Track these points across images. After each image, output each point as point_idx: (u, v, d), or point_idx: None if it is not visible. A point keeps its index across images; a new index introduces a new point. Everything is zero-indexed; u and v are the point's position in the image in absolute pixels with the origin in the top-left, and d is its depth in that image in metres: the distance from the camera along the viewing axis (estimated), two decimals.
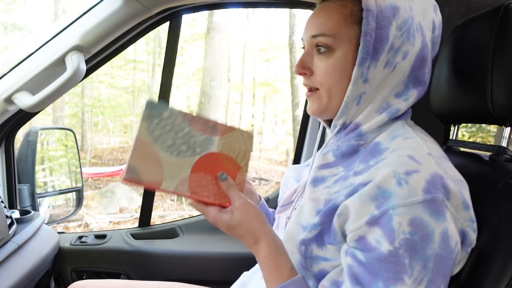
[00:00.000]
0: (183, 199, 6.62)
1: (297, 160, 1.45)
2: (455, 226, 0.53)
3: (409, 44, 0.60)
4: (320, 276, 0.60)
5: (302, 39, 0.68)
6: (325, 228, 0.58)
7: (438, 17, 0.65)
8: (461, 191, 0.54)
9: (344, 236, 0.56)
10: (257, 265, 0.82)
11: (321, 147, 0.75)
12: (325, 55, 0.62)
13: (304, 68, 0.65)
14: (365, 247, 0.52)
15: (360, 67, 0.59)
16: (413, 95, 0.63)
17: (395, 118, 0.63)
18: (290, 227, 0.64)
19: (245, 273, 0.84)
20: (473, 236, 0.55)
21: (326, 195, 0.60)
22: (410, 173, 0.51)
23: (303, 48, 0.67)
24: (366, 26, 0.58)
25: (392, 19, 0.58)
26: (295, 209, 0.72)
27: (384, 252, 0.50)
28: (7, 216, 1.01)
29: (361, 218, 0.52)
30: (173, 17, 1.22)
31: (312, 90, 0.66)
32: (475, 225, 0.55)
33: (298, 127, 1.55)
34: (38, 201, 1.34)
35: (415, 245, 0.49)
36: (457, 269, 0.57)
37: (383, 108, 0.62)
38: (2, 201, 1.02)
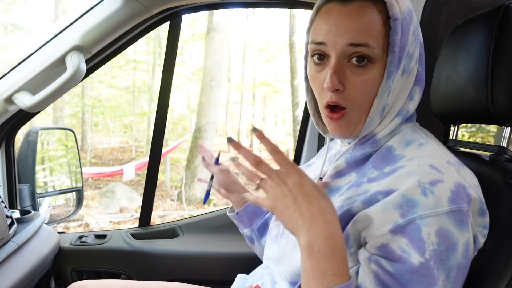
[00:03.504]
0: (183, 199, 6.63)
1: (297, 161, 1.45)
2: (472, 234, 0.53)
3: (419, 46, 0.59)
4: None
5: (321, 43, 0.57)
6: None
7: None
8: (481, 198, 0.54)
9: (356, 241, 0.56)
10: (257, 270, 0.81)
11: (319, 147, 0.75)
12: (365, 68, 0.55)
13: (339, 82, 0.55)
14: (389, 256, 0.51)
15: (388, 80, 0.56)
16: (417, 92, 0.62)
17: (406, 122, 0.63)
18: None
19: (241, 276, 0.83)
20: (481, 241, 0.55)
21: (339, 202, 0.59)
22: (434, 183, 0.50)
23: (318, 54, 0.58)
24: (394, 37, 0.54)
25: (410, 25, 0.56)
26: None
27: (415, 264, 0.49)
28: (7, 216, 1.01)
29: (384, 226, 0.51)
30: (173, 17, 1.22)
31: (337, 110, 0.58)
32: (486, 231, 0.55)
33: (298, 127, 1.55)
34: (38, 201, 1.34)
35: (441, 255, 0.49)
36: None
37: (396, 113, 0.61)
38: (2, 201, 1.02)
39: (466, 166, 0.59)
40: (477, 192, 0.54)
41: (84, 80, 1.14)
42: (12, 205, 1.26)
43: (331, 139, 0.73)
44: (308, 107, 0.69)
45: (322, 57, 0.58)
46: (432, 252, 0.48)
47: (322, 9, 0.59)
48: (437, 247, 0.49)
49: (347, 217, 0.56)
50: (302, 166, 0.85)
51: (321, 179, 0.71)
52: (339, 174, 0.64)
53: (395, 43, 0.54)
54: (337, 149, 0.69)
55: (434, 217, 0.49)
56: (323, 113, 0.61)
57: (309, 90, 0.66)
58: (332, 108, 0.58)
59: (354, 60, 0.55)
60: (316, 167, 0.75)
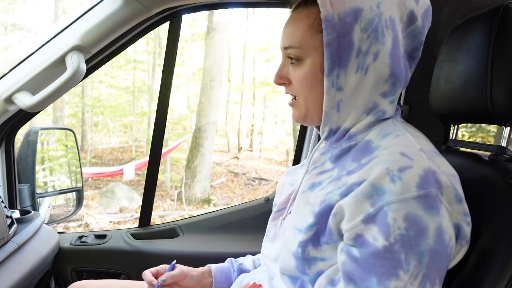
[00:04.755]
0: (183, 199, 6.63)
1: (297, 160, 1.45)
2: (450, 221, 0.53)
3: (378, 44, 0.58)
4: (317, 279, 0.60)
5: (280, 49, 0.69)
6: (320, 228, 0.58)
7: (420, 6, 0.62)
8: (454, 185, 0.54)
9: (340, 235, 0.57)
10: (257, 269, 0.82)
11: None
12: (297, 65, 0.64)
13: (281, 78, 0.67)
14: (362, 245, 0.52)
15: (329, 76, 0.59)
16: (398, 95, 0.64)
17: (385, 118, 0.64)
18: (286, 232, 0.64)
19: (243, 275, 0.84)
20: (467, 229, 0.55)
21: (321, 196, 0.60)
22: (403, 170, 0.51)
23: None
24: (327, 37, 0.58)
25: (354, 24, 0.57)
26: (289, 213, 0.72)
27: (379, 248, 0.50)
28: (7, 216, 1.01)
29: (357, 217, 0.52)
30: (173, 17, 1.22)
31: (294, 98, 0.68)
32: (468, 219, 0.55)
33: (298, 127, 1.55)
34: (38, 201, 1.34)
35: (410, 240, 0.49)
36: (452, 264, 0.57)
37: (370, 109, 0.62)
38: (2, 201, 1.02)
39: (466, 166, 0.59)
40: (450, 179, 0.54)
41: (84, 80, 1.14)
42: (12, 205, 1.26)
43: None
44: None
45: None
46: (399, 236, 0.49)
47: None
48: (406, 232, 0.49)
49: (328, 211, 0.57)
50: (297, 166, 0.85)
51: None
52: (323, 172, 0.66)
53: (328, 42, 0.58)
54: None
55: (401, 202, 0.50)
56: None
57: None
58: (292, 97, 0.69)
59: (291, 59, 0.65)
60: (304, 167, 0.76)
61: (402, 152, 0.53)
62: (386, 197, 0.51)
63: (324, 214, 0.57)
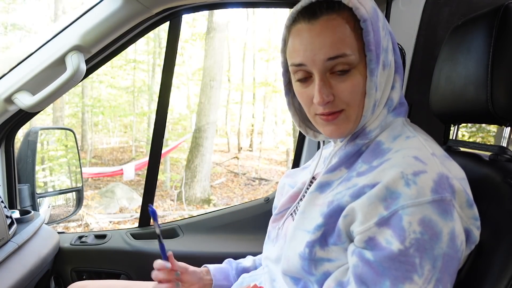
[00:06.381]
0: (183, 199, 6.63)
1: (296, 162, 1.45)
2: (461, 225, 0.53)
3: (390, 38, 0.61)
4: (323, 280, 0.59)
5: (301, 64, 0.59)
6: (328, 229, 0.58)
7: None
8: (466, 189, 0.54)
9: (348, 236, 0.57)
10: (257, 270, 0.82)
11: (319, 147, 0.76)
12: (348, 74, 0.57)
13: (328, 95, 0.58)
14: (375, 248, 0.52)
15: (372, 77, 0.58)
16: (397, 80, 0.64)
17: (395, 115, 0.64)
18: (292, 234, 0.64)
19: (244, 275, 0.84)
20: (476, 233, 0.56)
21: (330, 197, 0.60)
22: (417, 174, 0.51)
23: (301, 73, 0.60)
24: (368, 37, 0.57)
25: (378, 22, 0.59)
26: (291, 214, 0.72)
27: (395, 251, 0.50)
28: (7, 216, 1.01)
29: (370, 220, 0.52)
30: (173, 17, 1.22)
31: (334, 113, 0.60)
32: (478, 223, 0.56)
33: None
34: (38, 201, 1.34)
35: (425, 244, 0.49)
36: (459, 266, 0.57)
37: (385, 103, 0.63)
38: (2, 201, 1.02)
39: (466, 166, 0.59)
40: (462, 184, 0.54)
41: (84, 80, 1.14)
42: (12, 205, 1.26)
43: (324, 142, 0.74)
44: (294, 120, 0.71)
45: (305, 74, 0.60)
46: (414, 240, 0.49)
47: (292, 30, 0.61)
48: (421, 236, 0.49)
49: (338, 212, 0.57)
50: (298, 168, 0.85)
51: (314, 178, 0.72)
52: (330, 169, 0.65)
53: (370, 42, 0.57)
54: (331, 150, 0.70)
55: (417, 206, 0.50)
56: (315, 120, 0.63)
57: (291, 104, 0.70)
58: (331, 113, 0.60)
59: (336, 71, 0.58)
60: (311, 169, 0.76)
61: (415, 156, 0.54)
62: (401, 201, 0.51)
63: (333, 215, 0.57)
